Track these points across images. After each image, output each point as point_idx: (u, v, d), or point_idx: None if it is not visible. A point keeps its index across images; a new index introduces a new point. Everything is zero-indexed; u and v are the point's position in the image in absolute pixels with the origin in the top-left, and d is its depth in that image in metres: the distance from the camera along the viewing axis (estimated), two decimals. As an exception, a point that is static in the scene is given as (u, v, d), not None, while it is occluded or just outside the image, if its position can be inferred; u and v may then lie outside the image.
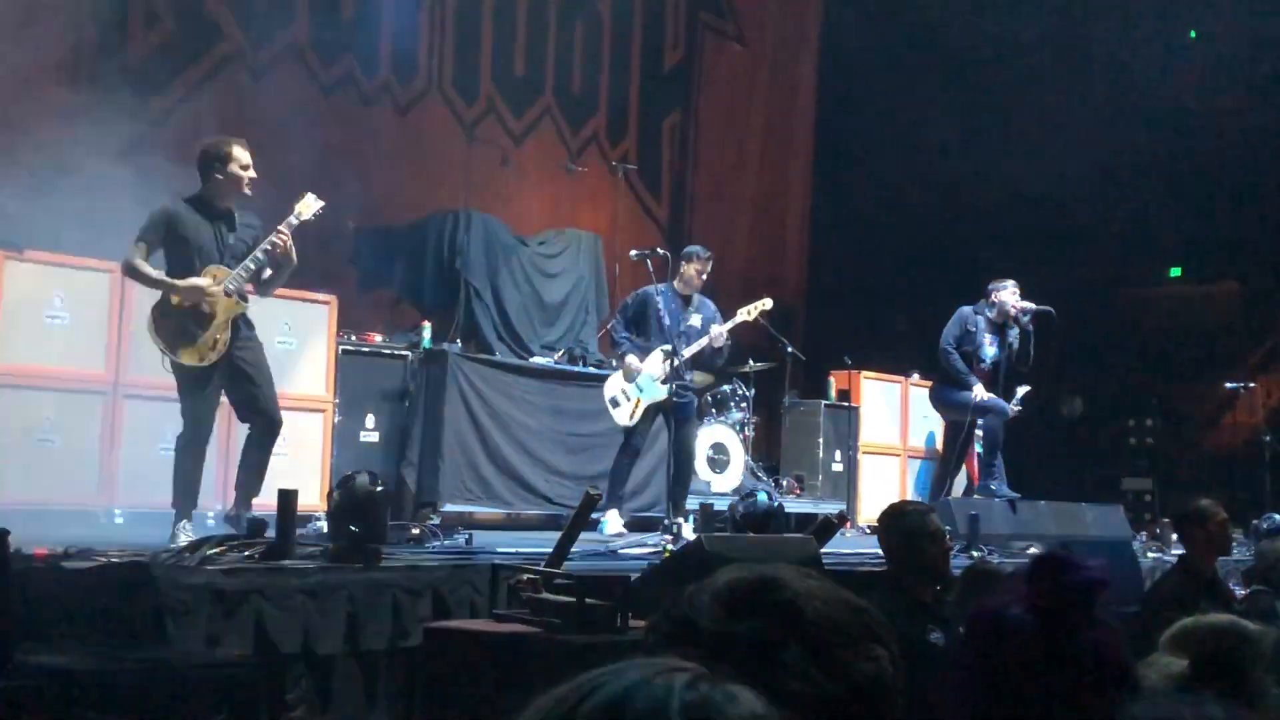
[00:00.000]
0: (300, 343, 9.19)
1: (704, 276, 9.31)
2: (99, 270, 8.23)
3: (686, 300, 9.26)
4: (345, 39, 11.86)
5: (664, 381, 9.03)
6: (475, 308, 10.96)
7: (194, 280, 6.61)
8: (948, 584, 5.20)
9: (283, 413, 7.36)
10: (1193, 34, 14.98)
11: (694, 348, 9.12)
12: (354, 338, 9.82)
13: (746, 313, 9.46)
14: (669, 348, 8.99)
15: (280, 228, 6.81)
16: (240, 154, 6.78)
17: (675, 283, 9.33)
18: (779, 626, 1.33)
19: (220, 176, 6.75)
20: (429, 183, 11.82)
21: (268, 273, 6.90)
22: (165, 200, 6.77)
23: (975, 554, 8.61)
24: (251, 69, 11.00)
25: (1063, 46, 15.06)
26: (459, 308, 10.88)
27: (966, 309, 10.51)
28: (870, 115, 15.16)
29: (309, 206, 6.98)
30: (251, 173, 6.80)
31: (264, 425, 7.04)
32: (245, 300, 6.82)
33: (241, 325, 6.83)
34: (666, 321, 9.03)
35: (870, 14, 15.28)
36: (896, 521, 4.88)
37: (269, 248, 6.78)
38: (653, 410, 9.15)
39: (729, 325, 9.32)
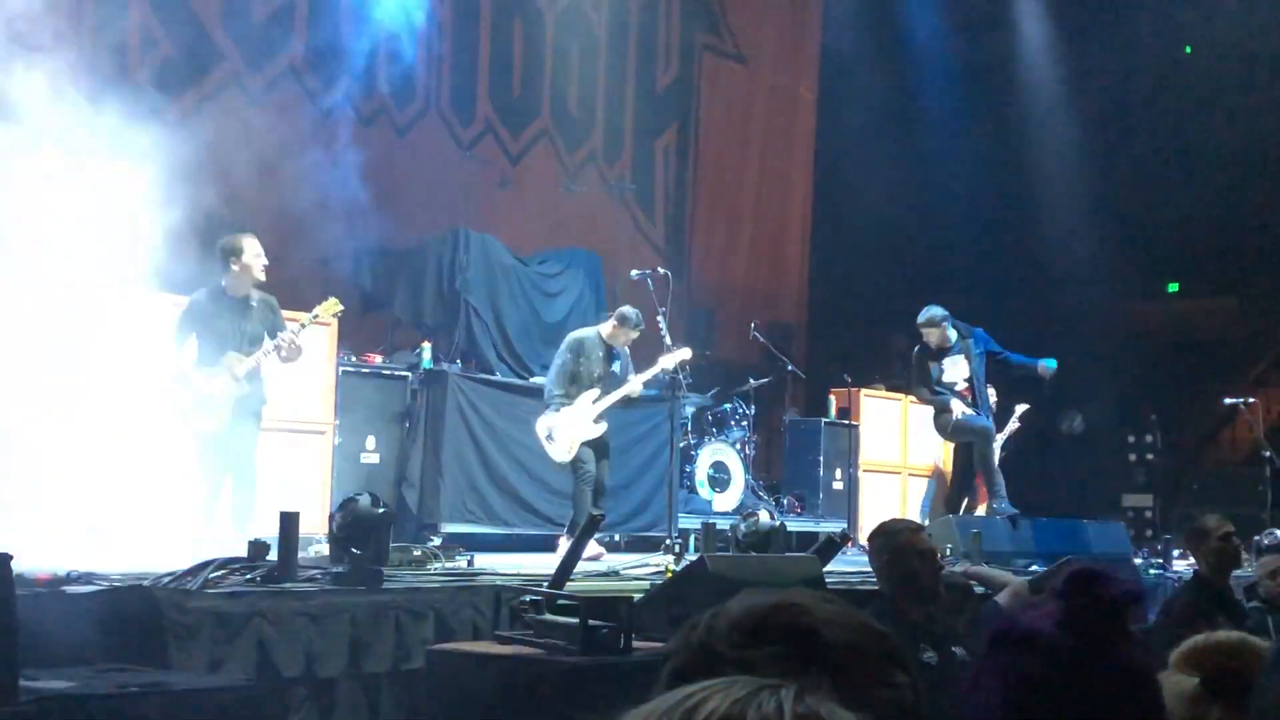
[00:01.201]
0: (300, 365, 9.17)
1: (629, 341, 9.53)
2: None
3: (609, 349, 9.38)
4: (342, 60, 11.88)
5: (596, 421, 9.23)
6: (475, 328, 10.97)
7: (206, 388, 7.50)
8: (939, 602, 5.17)
9: (284, 434, 8.38)
10: (1188, 49, 15.02)
11: (612, 398, 9.28)
12: (354, 359, 9.82)
13: (667, 361, 9.62)
14: (596, 392, 9.22)
15: (293, 326, 7.71)
16: (251, 245, 7.64)
17: (603, 333, 9.43)
18: (799, 652, 1.32)
19: (236, 268, 7.60)
20: (427, 203, 11.83)
21: (283, 354, 7.74)
22: (196, 293, 7.65)
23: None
24: (249, 91, 11.02)
25: (1060, 64, 15.10)
26: (459, 328, 10.90)
27: (917, 348, 10.59)
28: (869, 134, 15.19)
29: (328, 309, 8.00)
30: (263, 259, 7.64)
31: (240, 481, 7.76)
32: (252, 382, 7.66)
33: (245, 412, 7.66)
34: (595, 369, 9.29)
35: (868, 33, 15.33)
36: (886, 540, 4.78)
37: (279, 344, 7.63)
38: (587, 444, 9.30)
39: (646, 375, 9.51)
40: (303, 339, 7.79)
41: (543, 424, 9.21)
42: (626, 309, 9.63)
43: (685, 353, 9.68)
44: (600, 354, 9.35)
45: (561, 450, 9.16)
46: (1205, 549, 6.40)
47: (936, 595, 4.92)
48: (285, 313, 8.48)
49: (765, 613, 1.36)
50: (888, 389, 13.26)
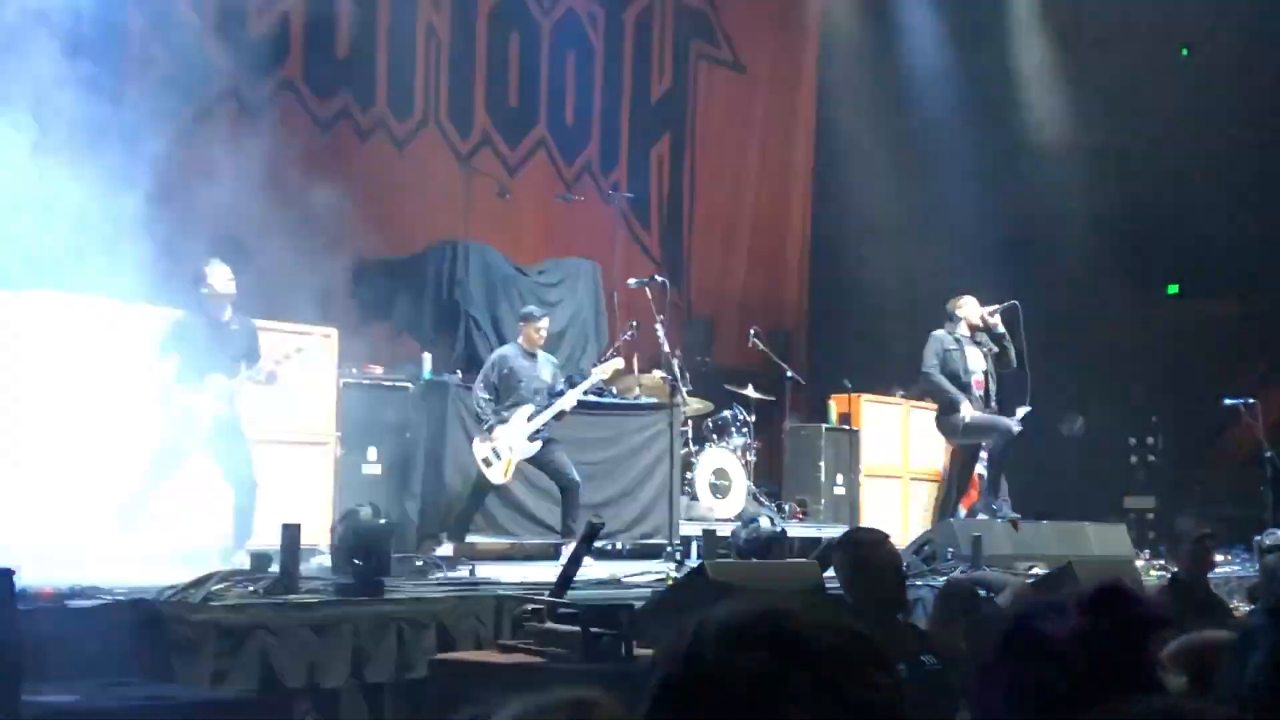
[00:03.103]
0: (302, 376, 9.19)
1: (543, 334, 9.63)
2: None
3: (532, 356, 9.52)
4: (340, 74, 11.92)
5: (531, 439, 9.32)
6: (475, 338, 10.98)
7: (188, 400, 7.63)
8: (907, 611, 5.17)
9: (285, 447, 8.64)
10: (1184, 51, 15.04)
11: (546, 415, 9.38)
12: (355, 370, 9.84)
13: (601, 372, 9.80)
14: (531, 408, 9.32)
15: (275, 355, 7.92)
16: (213, 270, 7.82)
17: (520, 341, 9.54)
18: (783, 657, 1.34)
19: (205, 291, 7.81)
20: (426, 215, 11.86)
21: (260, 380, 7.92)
22: (178, 313, 7.86)
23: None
24: (247, 106, 11.04)
25: (1056, 65, 15.13)
26: (458, 338, 10.91)
27: (939, 332, 10.49)
28: (868, 139, 15.21)
29: (313, 346, 8.33)
30: (230, 287, 7.83)
31: (240, 490, 7.93)
32: (230, 404, 7.81)
33: (228, 429, 7.81)
34: (522, 380, 9.41)
35: (867, 38, 15.37)
36: (848, 552, 4.74)
37: (258, 372, 7.84)
38: (527, 461, 9.42)
39: (581, 389, 9.69)
40: (283, 368, 7.95)
41: (480, 449, 9.26)
42: (527, 307, 9.87)
43: (618, 363, 9.90)
44: (525, 364, 9.46)
45: (498, 474, 9.26)
46: (1180, 552, 6.43)
47: (903, 605, 4.89)
48: (279, 326, 8.59)
49: (749, 620, 1.38)
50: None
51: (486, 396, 9.31)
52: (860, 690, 1.34)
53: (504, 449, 9.20)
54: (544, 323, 9.64)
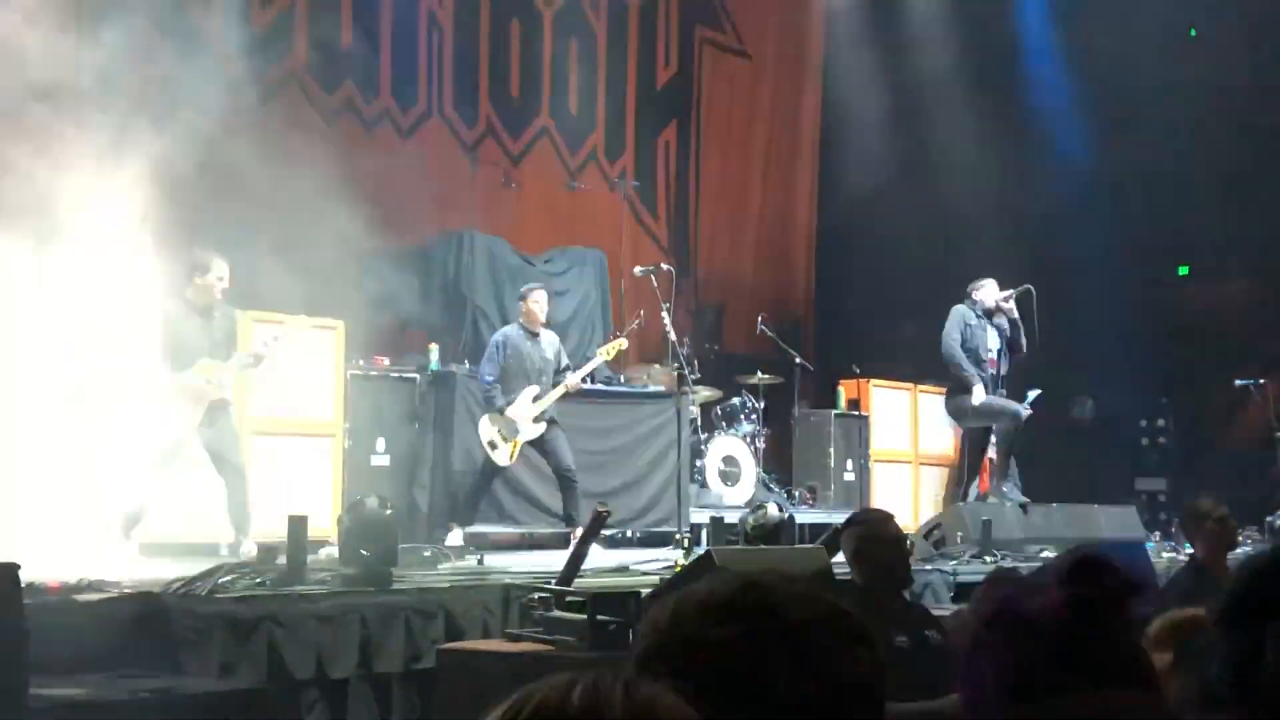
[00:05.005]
0: (309, 369, 9.21)
1: (541, 307, 9.58)
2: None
3: (535, 335, 9.49)
4: (344, 65, 11.90)
5: (536, 420, 9.30)
6: (482, 328, 11.00)
7: (189, 384, 7.78)
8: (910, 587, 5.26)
9: (294, 439, 8.95)
10: (1192, 33, 14.98)
11: (551, 396, 9.36)
12: (362, 362, 9.84)
13: (605, 353, 9.81)
14: (536, 389, 9.30)
15: (268, 340, 8.15)
16: (218, 266, 8.01)
17: (521, 320, 9.51)
18: (761, 631, 1.34)
19: (200, 282, 7.95)
20: (432, 205, 11.84)
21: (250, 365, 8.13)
22: (164, 301, 7.94)
23: (989, 559, 8.60)
24: (250, 98, 11.01)
25: (1063, 47, 15.07)
26: (465, 329, 10.92)
27: (961, 307, 10.47)
28: (875, 123, 15.17)
29: (301, 324, 8.63)
30: (224, 283, 8.01)
31: (230, 479, 8.01)
32: (221, 389, 7.94)
33: (218, 412, 7.96)
34: (526, 361, 9.40)
35: (873, 22, 15.32)
36: (855, 531, 4.83)
37: (252, 359, 8.06)
38: (529, 445, 9.40)
39: (585, 370, 9.67)
40: (270, 350, 8.15)
41: (486, 431, 9.25)
42: (525, 285, 9.87)
43: (621, 343, 9.90)
44: (528, 344, 9.44)
45: (504, 456, 9.25)
46: (1201, 532, 6.31)
47: (909, 582, 5.03)
48: (282, 318, 8.64)
49: (731, 594, 1.38)
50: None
51: (493, 379, 9.30)
52: (839, 664, 1.34)
53: (509, 430, 9.20)
54: (539, 294, 9.60)
